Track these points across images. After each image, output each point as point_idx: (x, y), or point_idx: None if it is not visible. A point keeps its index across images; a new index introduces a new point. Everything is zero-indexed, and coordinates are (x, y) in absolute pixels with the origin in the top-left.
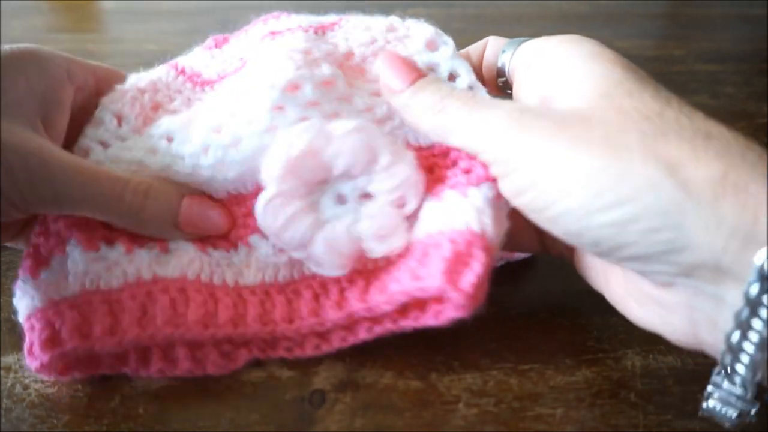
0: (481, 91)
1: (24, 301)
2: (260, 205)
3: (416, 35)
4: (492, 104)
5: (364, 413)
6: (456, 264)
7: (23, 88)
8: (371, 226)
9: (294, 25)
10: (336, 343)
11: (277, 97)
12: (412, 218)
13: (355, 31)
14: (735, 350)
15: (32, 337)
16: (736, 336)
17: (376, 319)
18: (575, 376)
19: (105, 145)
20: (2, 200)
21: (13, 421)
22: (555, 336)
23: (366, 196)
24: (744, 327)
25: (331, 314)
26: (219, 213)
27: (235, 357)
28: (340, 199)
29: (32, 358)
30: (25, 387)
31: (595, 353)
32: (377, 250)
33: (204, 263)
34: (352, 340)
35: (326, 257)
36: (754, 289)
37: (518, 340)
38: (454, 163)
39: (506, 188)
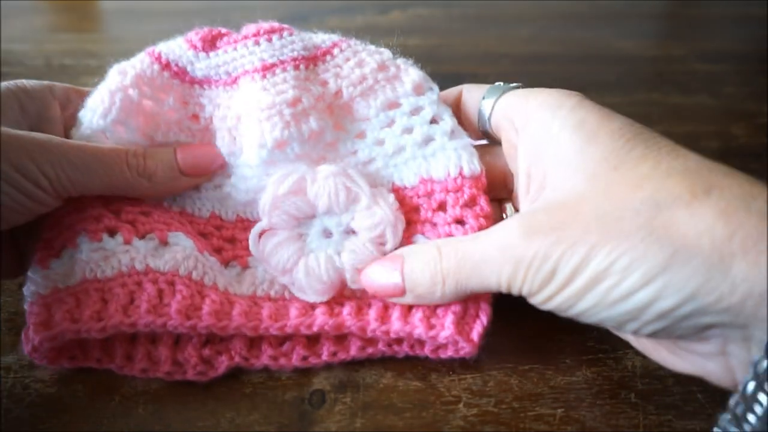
0: (463, 135)
1: (30, 289)
2: (252, 233)
3: (405, 78)
4: (481, 248)
5: (364, 413)
6: (465, 317)
7: (17, 110)
8: (352, 260)
9: (286, 54)
10: (325, 356)
11: (266, 155)
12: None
13: (346, 65)
14: (749, 400)
15: (30, 320)
16: (751, 386)
17: (368, 340)
18: (575, 377)
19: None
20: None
21: (13, 421)
22: (555, 336)
23: (350, 231)
24: (761, 378)
25: (321, 319)
26: (209, 148)
27: (216, 364)
28: (327, 233)
29: (26, 340)
30: (25, 387)
31: (595, 353)
32: (357, 281)
33: (199, 263)
34: (342, 356)
35: (306, 283)
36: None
37: (518, 340)
38: (441, 206)
39: (534, 302)
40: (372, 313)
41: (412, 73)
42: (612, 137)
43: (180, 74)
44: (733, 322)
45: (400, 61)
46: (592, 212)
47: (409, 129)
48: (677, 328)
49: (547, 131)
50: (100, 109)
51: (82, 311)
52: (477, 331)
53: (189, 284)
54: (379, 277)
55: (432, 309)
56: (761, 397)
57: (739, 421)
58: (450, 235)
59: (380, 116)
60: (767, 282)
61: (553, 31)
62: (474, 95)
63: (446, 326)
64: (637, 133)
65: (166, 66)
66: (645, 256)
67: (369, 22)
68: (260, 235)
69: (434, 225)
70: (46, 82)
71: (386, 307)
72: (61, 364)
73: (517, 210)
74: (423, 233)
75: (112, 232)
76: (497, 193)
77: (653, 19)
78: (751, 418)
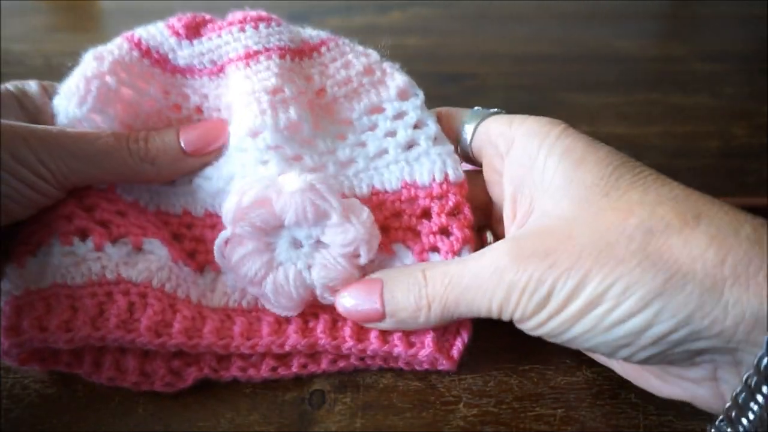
0: (446, 142)
1: (5, 287)
2: (217, 244)
3: (390, 83)
4: (470, 273)
5: (364, 413)
6: (445, 333)
7: (17, 108)
8: (323, 277)
9: (272, 42)
10: (295, 368)
11: (238, 142)
12: (377, 267)
13: (332, 65)
14: (742, 408)
15: (2, 323)
16: (741, 398)
17: (341, 355)
18: (576, 377)
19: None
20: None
21: (13, 422)
22: None
23: (321, 242)
24: (752, 391)
25: (294, 339)
26: (212, 123)
27: (185, 375)
28: (297, 243)
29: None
30: (25, 387)
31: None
32: (329, 299)
33: (172, 274)
34: (312, 368)
35: (275, 298)
36: (765, 362)
37: (519, 340)
38: (425, 213)
39: (525, 328)
40: (347, 330)
41: (397, 78)
42: (599, 165)
43: (161, 62)
44: (725, 346)
45: (386, 64)
46: (585, 237)
47: (392, 132)
48: (670, 354)
49: (534, 158)
50: (76, 98)
51: (51, 319)
52: (457, 348)
53: (161, 297)
54: (355, 303)
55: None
56: (753, 405)
57: (735, 419)
58: (435, 246)
59: (363, 120)
60: (758, 306)
61: (553, 31)
62: (455, 118)
63: (426, 344)
64: (623, 161)
65: (146, 53)
66: (641, 281)
67: (369, 22)
68: (226, 242)
69: (417, 234)
70: (40, 82)
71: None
72: (32, 366)
73: (497, 237)
74: (404, 242)
75: (83, 235)
76: (476, 221)
77: (653, 19)
78: (744, 421)
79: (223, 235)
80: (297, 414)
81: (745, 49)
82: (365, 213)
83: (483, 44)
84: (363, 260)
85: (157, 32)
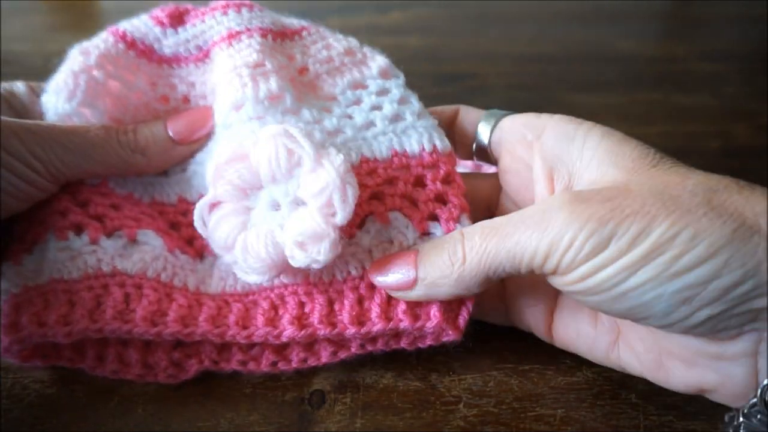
0: (429, 118)
1: (4, 285)
2: (198, 207)
3: (371, 63)
4: (513, 220)
5: (364, 413)
6: (450, 302)
7: (5, 107)
8: (293, 233)
9: (254, 24)
10: (295, 363)
11: (223, 118)
12: (375, 237)
13: (313, 47)
14: None
15: (2, 320)
16: None
17: (340, 344)
18: (576, 377)
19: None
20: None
21: (13, 422)
22: None
23: (300, 203)
24: None
25: (289, 331)
26: (197, 111)
27: (187, 367)
28: (275, 206)
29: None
30: (24, 387)
31: None
32: (298, 258)
33: (168, 263)
34: (312, 362)
35: (243, 258)
36: None
37: (519, 340)
38: (418, 180)
39: (567, 279)
40: (345, 316)
41: (378, 59)
42: (641, 146)
43: (147, 53)
44: None
45: (366, 48)
46: (646, 190)
47: (378, 106)
48: (728, 316)
49: (572, 137)
50: (65, 93)
51: (49, 314)
52: (463, 317)
53: (157, 287)
54: (389, 274)
55: (415, 301)
56: None
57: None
58: (433, 214)
59: (347, 94)
60: None
61: (553, 31)
62: (472, 116)
63: (432, 315)
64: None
65: (132, 45)
66: (709, 230)
67: (369, 22)
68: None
69: (414, 201)
70: (27, 82)
71: (361, 303)
72: (34, 363)
73: None
74: (401, 209)
75: (78, 230)
76: (479, 216)
77: (653, 19)
78: None
79: (204, 200)
80: (297, 414)
81: (745, 49)
82: (339, 159)
83: (483, 44)
84: (339, 217)
85: (141, 24)
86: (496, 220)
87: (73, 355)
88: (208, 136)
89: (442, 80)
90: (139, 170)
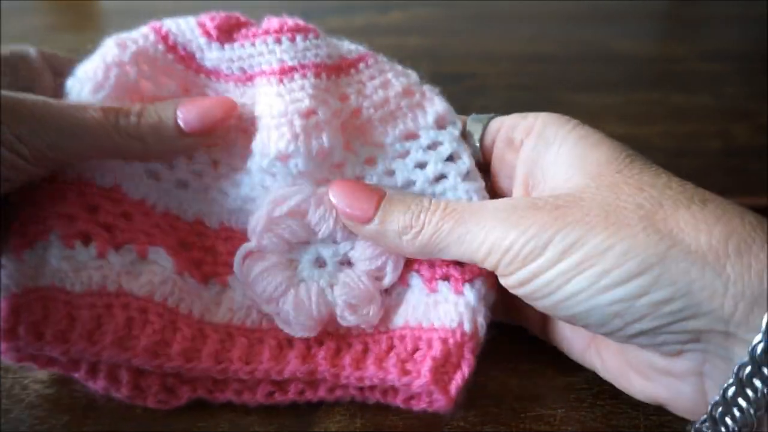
0: (477, 179)
1: (4, 281)
2: (238, 255)
3: (429, 109)
4: (474, 208)
5: (364, 413)
6: (445, 365)
7: (7, 73)
8: (345, 294)
9: (308, 58)
10: (292, 394)
11: (267, 165)
12: (395, 299)
13: (370, 84)
14: (729, 404)
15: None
16: (731, 391)
17: (339, 385)
18: (576, 377)
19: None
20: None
21: (12, 422)
22: None
23: (345, 263)
24: (743, 384)
25: (293, 365)
26: (218, 101)
27: (179, 393)
28: (320, 263)
29: None
30: (24, 387)
31: None
32: (349, 319)
33: (176, 287)
34: (309, 395)
35: (294, 316)
36: (760, 347)
37: (519, 340)
38: None
39: (509, 282)
40: (347, 359)
41: (437, 104)
42: (613, 149)
43: (187, 60)
44: (721, 330)
45: (426, 87)
46: (594, 201)
47: (423, 164)
48: (663, 332)
49: (550, 142)
50: (92, 83)
51: (47, 327)
52: (456, 383)
53: (163, 313)
54: (349, 199)
55: (409, 353)
56: (741, 401)
57: (719, 418)
58: (447, 275)
59: (396, 146)
60: (758, 286)
61: (553, 31)
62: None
63: (422, 374)
64: (633, 152)
65: (172, 48)
66: (644, 246)
67: (369, 22)
68: (245, 256)
69: (432, 264)
70: (39, 49)
71: (365, 351)
72: (29, 364)
73: None
74: (419, 271)
75: (86, 239)
76: None
77: (653, 19)
78: (729, 420)
79: (245, 247)
80: (297, 414)
81: (745, 49)
82: None
83: (483, 44)
84: (387, 281)
85: (187, 29)
86: (462, 202)
87: (68, 365)
88: (223, 133)
89: (441, 80)
90: (134, 157)
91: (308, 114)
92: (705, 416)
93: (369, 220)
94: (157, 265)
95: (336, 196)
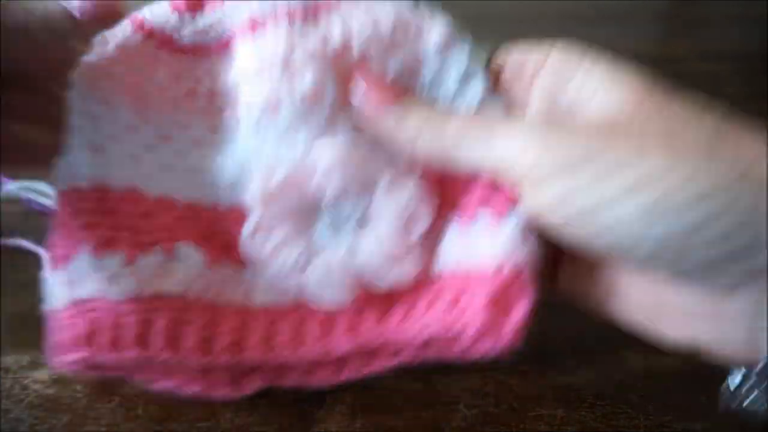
0: (499, 97)
1: (48, 296)
2: (245, 233)
3: (428, 36)
4: (503, 119)
5: (364, 414)
6: (499, 302)
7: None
8: (375, 256)
9: (278, 7)
10: (353, 369)
11: (254, 123)
12: (431, 243)
13: (355, 19)
14: None
15: (52, 340)
16: None
17: (394, 351)
18: (576, 377)
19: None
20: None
21: (12, 422)
22: (555, 336)
23: (364, 221)
24: None
25: (342, 343)
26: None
27: (244, 385)
28: (335, 225)
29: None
30: (24, 387)
31: (596, 353)
32: (385, 280)
33: (210, 281)
34: (366, 370)
35: (321, 288)
36: None
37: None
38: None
39: (542, 201)
40: (393, 320)
41: (437, 27)
42: (645, 78)
43: (167, 43)
44: None
45: (423, 11)
46: (645, 125)
47: (435, 86)
48: (721, 269)
49: (575, 68)
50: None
51: (96, 338)
52: (514, 319)
53: (202, 309)
54: (377, 83)
55: (457, 297)
56: None
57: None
58: (485, 202)
59: (401, 80)
60: None
61: (553, 31)
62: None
63: (475, 315)
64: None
65: (150, 34)
66: (707, 170)
67: None
68: (254, 232)
69: (467, 197)
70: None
71: (410, 307)
72: (96, 374)
73: None
74: (453, 210)
75: (113, 248)
76: None
77: (654, 19)
78: None
79: (249, 224)
80: (297, 414)
81: (746, 49)
82: (413, 177)
83: (482, 44)
84: (418, 231)
85: (160, 10)
86: (478, 116)
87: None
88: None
89: None
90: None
91: (285, 60)
92: (763, 363)
93: (387, 113)
94: (187, 261)
95: (356, 87)
